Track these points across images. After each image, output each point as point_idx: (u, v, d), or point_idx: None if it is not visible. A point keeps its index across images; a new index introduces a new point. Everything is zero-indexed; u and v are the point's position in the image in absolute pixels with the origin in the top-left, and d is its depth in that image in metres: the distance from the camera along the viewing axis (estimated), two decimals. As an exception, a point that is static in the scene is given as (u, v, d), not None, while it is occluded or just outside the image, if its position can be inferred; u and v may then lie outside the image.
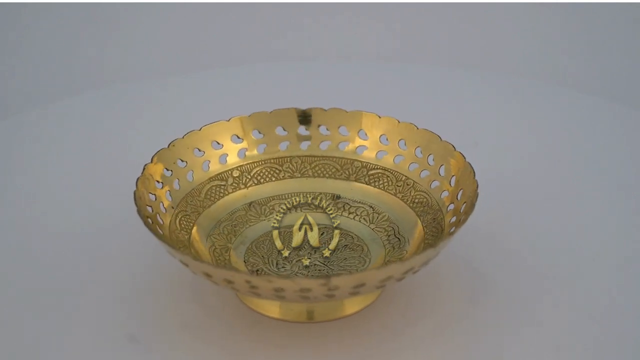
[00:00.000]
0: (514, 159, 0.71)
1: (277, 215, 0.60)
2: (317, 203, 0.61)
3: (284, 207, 0.61)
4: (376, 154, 0.62)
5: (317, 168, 0.63)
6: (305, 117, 0.63)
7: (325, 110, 0.62)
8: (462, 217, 0.53)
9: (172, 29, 1.12)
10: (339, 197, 0.62)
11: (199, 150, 0.61)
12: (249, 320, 0.55)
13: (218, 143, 0.62)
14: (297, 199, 0.62)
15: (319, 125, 0.63)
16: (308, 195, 0.62)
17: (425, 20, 1.12)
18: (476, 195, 0.53)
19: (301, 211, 0.61)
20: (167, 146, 0.59)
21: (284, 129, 0.63)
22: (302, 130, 0.63)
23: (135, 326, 0.55)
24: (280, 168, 0.63)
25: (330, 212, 0.61)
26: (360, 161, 0.62)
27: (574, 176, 0.69)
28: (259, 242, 0.59)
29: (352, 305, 0.55)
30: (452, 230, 0.53)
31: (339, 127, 0.62)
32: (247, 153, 0.62)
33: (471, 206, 0.52)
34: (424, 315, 0.55)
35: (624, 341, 0.54)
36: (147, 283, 0.58)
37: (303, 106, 0.63)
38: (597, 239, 0.62)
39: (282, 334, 0.54)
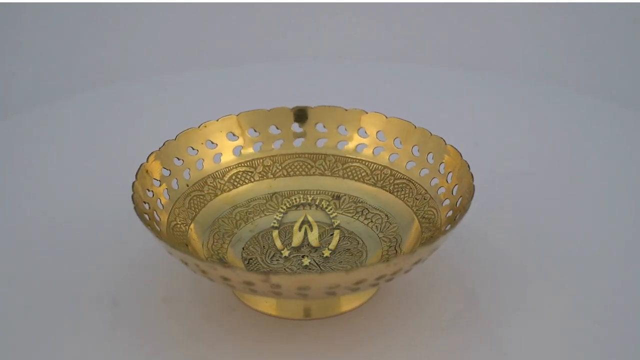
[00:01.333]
0: (513, 160, 0.71)
1: (277, 215, 0.61)
2: (317, 203, 0.62)
3: (284, 207, 0.61)
4: (406, 163, 0.61)
5: (348, 169, 0.63)
6: (346, 118, 0.63)
7: (366, 113, 0.63)
8: (430, 241, 0.53)
9: (172, 29, 1.12)
10: (338, 196, 0.62)
11: (233, 134, 0.62)
12: (246, 317, 0.55)
13: (255, 131, 0.63)
14: (298, 199, 0.62)
15: (359, 128, 0.63)
16: (308, 196, 0.62)
17: (425, 20, 1.12)
18: (455, 221, 0.53)
19: (306, 208, 0.61)
20: (197, 126, 0.61)
21: (324, 127, 0.63)
22: (342, 129, 0.63)
23: (132, 324, 0.55)
24: (313, 164, 0.63)
25: (330, 211, 0.61)
26: (390, 169, 0.62)
27: (573, 177, 0.69)
28: (267, 233, 0.60)
29: (348, 303, 0.55)
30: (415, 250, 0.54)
31: (377, 132, 0.63)
32: (282, 144, 0.63)
33: (446, 231, 0.52)
34: (419, 313, 0.56)
35: (624, 342, 0.54)
36: (145, 280, 0.58)
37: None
38: (596, 240, 0.62)
39: (279, 331, 0.54)
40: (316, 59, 1.06)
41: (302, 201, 0.62)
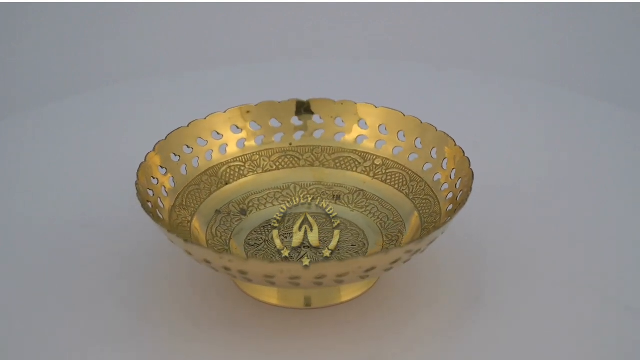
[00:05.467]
0: (513, 160, 0.71)
1: (277, 215, 0.61)
2: (317, 204, 0.62)
3: (284, 207, 0.61)
4: (408, 156, 0.62)
5: (347, 162, 0.63)
6: (356, 114, 0.64)
7: (376, 107, 0.63)
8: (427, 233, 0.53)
9: (171, 29, 1.12)
10: (338, 197, 0.62)
11: (260, 123, 0.64)
12: (247, 307, 0.56)
13: (277, 120, 0.64)
14: (297, 199, 0.62)
15: (359, 120, 0.64)
16: (308, 196, 0.62)
17: (426, 20, 1.12)
18: (451, 213, 0.53)
19: (308, 203, 0.62)
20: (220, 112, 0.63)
21: (321, 118, 0.64)
22: (338, 121, 0.64)
23: (134, 315, 0.55)
24: (326, 156, 0.64)
25: (330, 211, 0.61)
26: (392, 161, 0.62)
27: (575, 178, 0.69)
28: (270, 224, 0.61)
29: (348, 292, 0.56)
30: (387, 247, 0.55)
31: (379, 126, 0.63)
32: (283, 137, 0.64)
33: (432, 229, 0.52)
34: (417, 305, 0.56)
35: (624, 345, 0.54)
36: (146, 272, 0.59)
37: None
38: (597, 240, 0.62)
39: (280, 320, 0.55)
40: (316, 58, 1.06)
41: (302, 201, 0.62)
